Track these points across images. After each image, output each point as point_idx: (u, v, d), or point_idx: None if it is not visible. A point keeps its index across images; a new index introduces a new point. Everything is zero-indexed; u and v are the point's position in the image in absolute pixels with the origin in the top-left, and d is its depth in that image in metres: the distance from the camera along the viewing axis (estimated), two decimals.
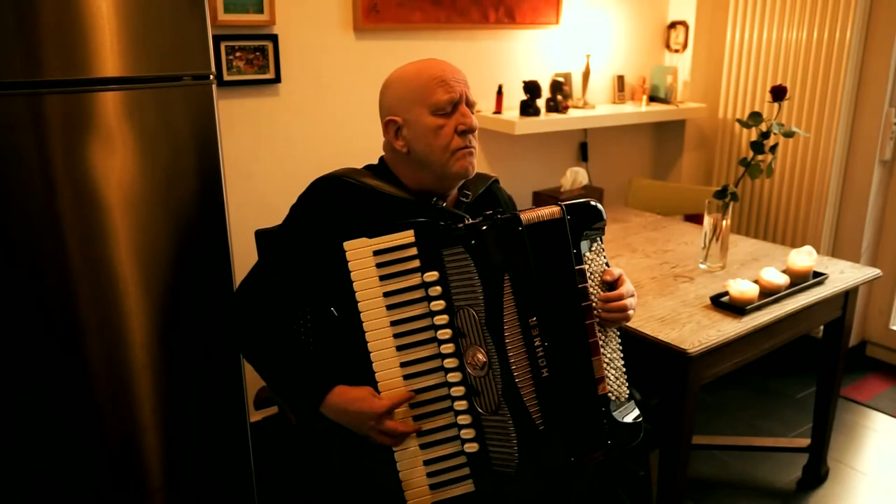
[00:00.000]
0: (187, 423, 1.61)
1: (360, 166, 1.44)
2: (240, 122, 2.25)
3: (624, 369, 1.35)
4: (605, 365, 1.30)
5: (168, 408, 1.57)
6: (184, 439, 1.61)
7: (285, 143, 2.35)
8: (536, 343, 1.24)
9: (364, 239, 1.23)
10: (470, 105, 1.34)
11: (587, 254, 1.31)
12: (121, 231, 1.43)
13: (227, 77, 2.17)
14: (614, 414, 1.30)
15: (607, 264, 1.37)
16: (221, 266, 1.57)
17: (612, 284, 1.34)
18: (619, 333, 1.37)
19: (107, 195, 1.40)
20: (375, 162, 1.45)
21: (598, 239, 1.34)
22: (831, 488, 2.27)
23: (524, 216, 1.24)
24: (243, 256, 1.78)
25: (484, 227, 1.23)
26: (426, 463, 1.26)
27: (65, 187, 1.36)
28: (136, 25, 1.37)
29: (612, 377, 1.31)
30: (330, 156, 2.44)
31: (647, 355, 1.65)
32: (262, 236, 1.65)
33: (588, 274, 1.29)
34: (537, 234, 1.25)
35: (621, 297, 1.33)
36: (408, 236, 1.24)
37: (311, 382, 1.28)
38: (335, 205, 1.34)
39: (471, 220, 1.27)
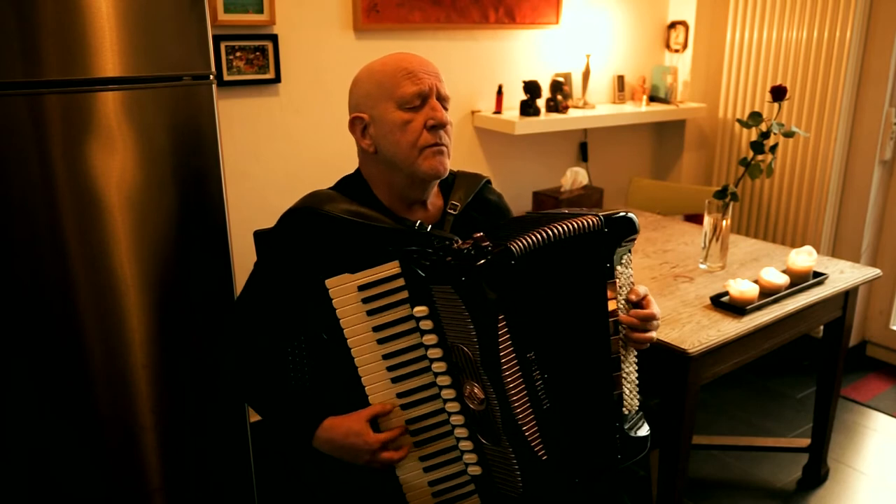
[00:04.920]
0: (187, 423, 1.61)
1: (349, 171, 1.38)
2: (240, 122, 2.25)
3: (637, 382, 1.30)
4: (622, 380, 1.25)
5: (168, 408, 1.57)
6: (183, 439, 1.61)
7: (285, 143, 2.35)
8: (536, 376, 1.16)
9: (346, 275, 1.16)
10: (442, 99, 1.25)
11: (618, 267, 1.23)
12: (121, 231, 1.43)
13: (227, 77, 2.17)
14: (626, 428, 1.25)
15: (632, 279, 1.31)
16: (221, 266, 1.57)
17: (638, 304, 1.27)
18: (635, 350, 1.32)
19: (107, 195, 1.40)
20: (347, 175, 1.38)
21: (629, 252, 1.27)
22: (831, 488, 2.27)
23: (516, 246, 1.12)
24: (243, 256, 1.78)
25: (477, 262, 1.10)
26: (431, 483, 1.23)
27: (65, 187, 1.36)
28: (136, 25, 1.37)
29: (626, 391, 1.26)
30: (330, 156, 2.44)
31: (647, 355, 1.65)
32: (262, 236, 1.65)
33: (617, 288, 1.23)
34: (566, 247, 1.17)
35: (649, 318, 1.26)
36: (393, 268, 1.17)
37: (299, 421, 1.24)
38: (309, 240, 1.24)
39: (460, 244, 1.18)
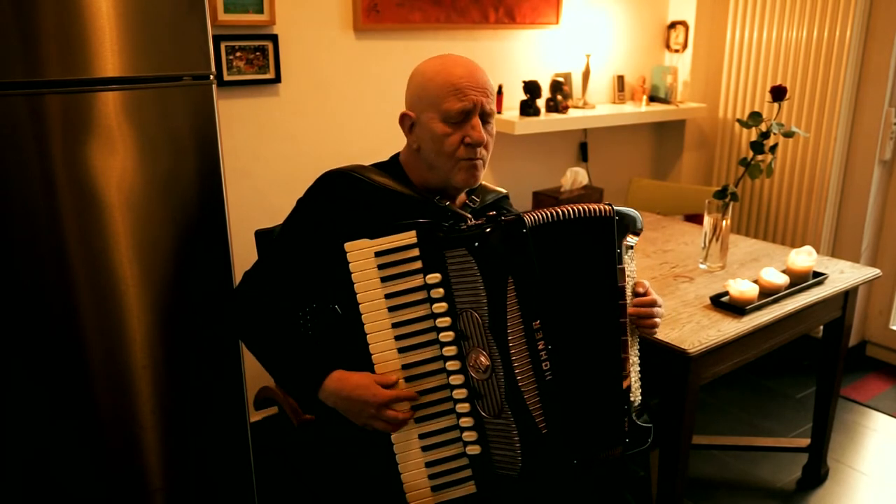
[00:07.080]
0: (187, 423, 1.61)
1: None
2: (240, 122, 2.25)
3: (640, 375, 1.34)
4: (629, 367, 1.30)
5: (168, 408, 1.57)
6: (184, 439, 1.61)
7: (285, 142, 2.35)
8: (540, 346, 1.22)
9: (365, 240, 1.21)
10: (486, 115, 1.31)
11: (625, 257, 1.29)
12: (121, 231, 1.43)
13: (227, 77, 2.17)
14: (633, 415, 1.29)
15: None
16: (221, 266, 1.57)
17: (643, 296, 1.36)
18: (638, 340, 1.37)
19: (107, 195, 1.40)
20: (381, 161, 1.45)
21: (632, 248, 1.33)
22: (831, 488, 2.27)
23: (529, 217, 1.22)
24: (243, 256, 1.78)
25: (488, 230, 1.20)
26: (428, 465, 1.25)
27: (65, 187, 1.36)
28: (136, 25, 1.37)
29: (632, 379, 1.30)
30: (330, 155, 2.44)
31: (647, 355, 1.65)
32: (262, 236, 1.65)
33: (626, 275, 1.29)
34: (578, 228, 1.24)
35: (654, 304, 1.35)
36: (410, 237, 1.22)
37: (309, 368, 1.27)
38: (341, 199, 1.32)
39: (474, 221, 1.26)
